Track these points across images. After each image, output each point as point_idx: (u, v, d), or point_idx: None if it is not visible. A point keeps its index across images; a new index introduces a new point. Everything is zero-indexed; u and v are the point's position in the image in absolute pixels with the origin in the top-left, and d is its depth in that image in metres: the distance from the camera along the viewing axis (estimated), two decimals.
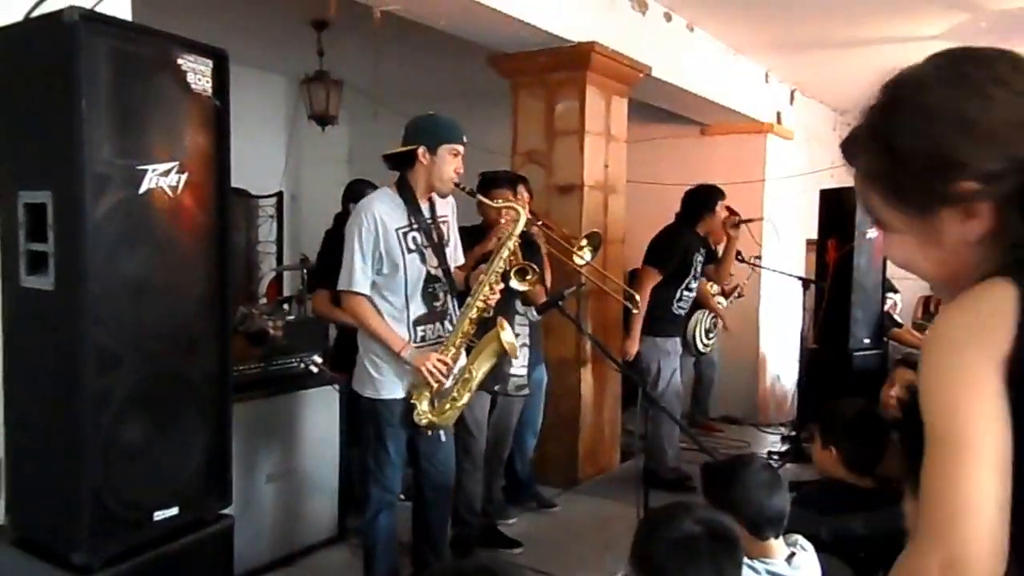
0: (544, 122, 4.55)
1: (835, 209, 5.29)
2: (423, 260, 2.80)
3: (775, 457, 5.07)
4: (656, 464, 4.31)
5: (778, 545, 1.80)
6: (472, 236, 3.29)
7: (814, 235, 5.62)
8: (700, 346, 5.28)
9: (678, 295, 4.54)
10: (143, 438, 1.96)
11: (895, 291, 6.17)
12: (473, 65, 4.73)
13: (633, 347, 4.44)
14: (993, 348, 0.83)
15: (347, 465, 3.65)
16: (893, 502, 2.28)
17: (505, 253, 2.83)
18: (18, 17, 1.96)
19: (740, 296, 5.96)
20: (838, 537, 2.20)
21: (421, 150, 2.75)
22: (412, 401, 2.76)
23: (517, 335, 3.30)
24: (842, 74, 6.27)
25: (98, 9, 1.90)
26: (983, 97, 0.88)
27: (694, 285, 4.63)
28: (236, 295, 4.18)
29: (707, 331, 5.49)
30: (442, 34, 4.08)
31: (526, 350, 3.59)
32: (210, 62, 2.05)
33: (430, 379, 2.71)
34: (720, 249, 5.03)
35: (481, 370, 2.82)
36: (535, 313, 3.31)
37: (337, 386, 3.56)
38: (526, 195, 3.71)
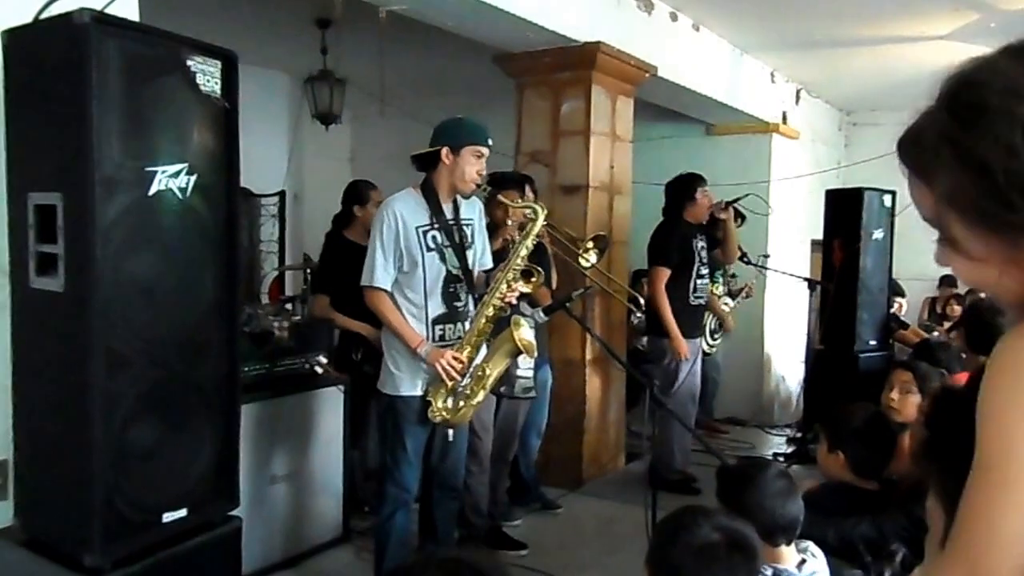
0: (549, 122, 4.55)
1: (841, 209, 5.26)
2: (443, 259, 2.81)
3: (780, 459, 5.06)
4: (661, 465, 4.30)
5: (789, 552, 1.80)
6: None
7: (820, 235, 5.59)
8: (705, 347, 5.26)
9: (692, 286, 4.50)
10: (152, 440, 1.95)
11: (901, 293, 6.15)
12: (478, 65, 4.71)
13: (681, 345, 4.37)
14: None
15: (349, 466, 3.65)
16: (899, 505, 2.28)
17: (523, 252, 2.85)
18: (28, 19, 1.95)
19: (748, 296, 5.94)
20: (845, 540, 2.20)
21: (444, 150, 2.79)
22: (427, 398, 2.78)
23: None
24: (848, 74, 6.27)
25: (107, 10, 1.90)
26: None
27: (705, 272, 4.60)
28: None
29: (712, 332, 5.48)
30: (447, 33, 4.07)
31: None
32: (219, 63, 2.03)
33: (444, 376, 2.73)
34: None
35: (496, 369, 2.83)
36: (542, 315, 3.31)
37: (341, 387, 3.56)
38: (531, 196, 3.71)
